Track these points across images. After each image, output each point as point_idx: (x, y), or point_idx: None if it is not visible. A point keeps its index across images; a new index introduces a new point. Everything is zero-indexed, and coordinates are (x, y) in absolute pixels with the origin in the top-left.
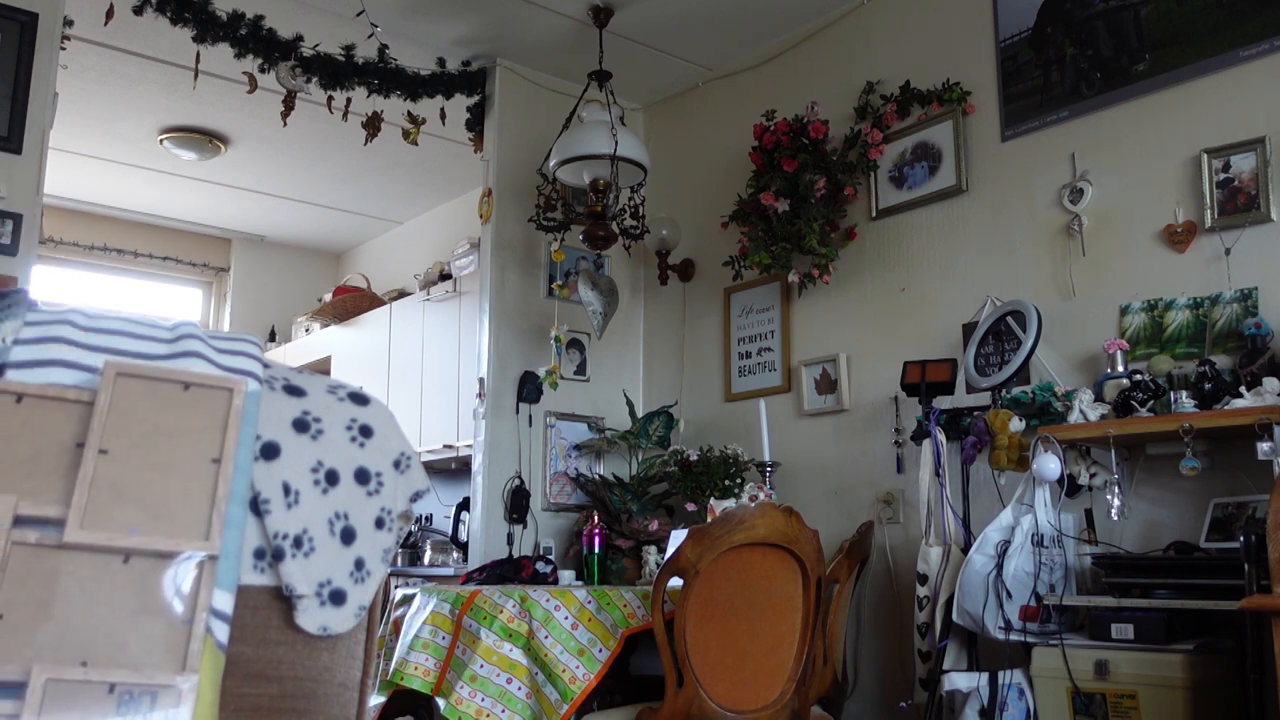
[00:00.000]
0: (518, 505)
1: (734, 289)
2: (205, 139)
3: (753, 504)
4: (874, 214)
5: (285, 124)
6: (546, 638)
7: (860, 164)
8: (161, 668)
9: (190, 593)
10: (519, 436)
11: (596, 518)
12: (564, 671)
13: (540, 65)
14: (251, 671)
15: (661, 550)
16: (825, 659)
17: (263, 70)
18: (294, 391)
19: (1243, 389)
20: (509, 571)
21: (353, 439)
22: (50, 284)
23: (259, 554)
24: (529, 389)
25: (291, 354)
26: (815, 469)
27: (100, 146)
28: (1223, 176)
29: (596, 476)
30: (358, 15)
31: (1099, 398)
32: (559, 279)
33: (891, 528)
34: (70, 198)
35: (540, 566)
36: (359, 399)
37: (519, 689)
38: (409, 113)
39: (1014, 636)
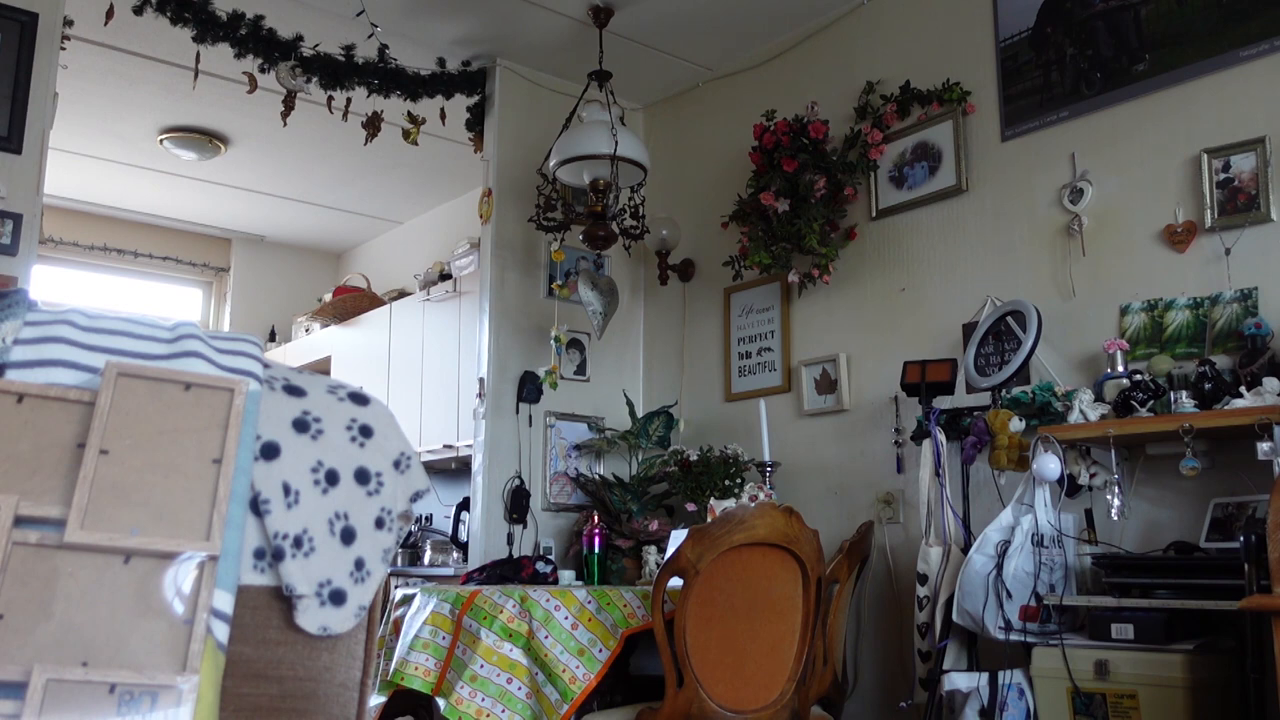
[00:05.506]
0: (518, 505)
1: (734, 289)
2: (205, 139)
3: (753, 504)
4: (874, 214)
5: (285, 124)
6: (546, 638)
7: (860, 164)
8: (162, 668)
9: (191, 593)
10: (519, 436)
11: (596, 518)
12: (564, 671)
13: (540, 65)
14: (251, 671)
15: (661, 550)
16: (825, 659)
17: (263, 70)
18: (294, 391)
19: (1243, 389)
20: (509, 571)
21: (353, 439)
22: (50, 284)
23: (259, 554)
24: (529, 389)
25: (291, 354)
26: (815, 469)
27: (100, 146)
28: (1223, 176)
29: (596, 476)
30: (358, 15)
31: (1099, 398)
32: (559, 279)
33: (891, 528)
34: (70, 198)
35: (540, 566)
36: (359, 399)
37: (519, 689)
38: (409, 113)
39: (1014, 636)
